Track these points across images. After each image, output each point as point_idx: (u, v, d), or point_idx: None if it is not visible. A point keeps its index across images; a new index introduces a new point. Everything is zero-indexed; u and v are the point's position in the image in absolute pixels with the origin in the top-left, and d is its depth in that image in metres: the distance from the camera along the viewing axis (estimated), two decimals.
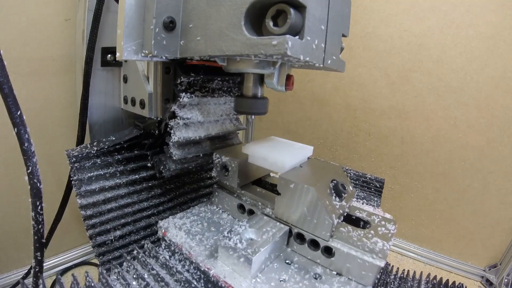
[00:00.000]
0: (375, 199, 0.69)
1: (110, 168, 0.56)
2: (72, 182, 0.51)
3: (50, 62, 0.72)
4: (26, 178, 0.42)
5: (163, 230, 0.51)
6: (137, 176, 0.59)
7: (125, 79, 0.61)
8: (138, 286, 0.41)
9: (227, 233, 0.43)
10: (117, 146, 0.58)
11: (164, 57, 0.40)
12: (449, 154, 1.01)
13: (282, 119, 1.35)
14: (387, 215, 0.59)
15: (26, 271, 0.75)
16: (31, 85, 0.71)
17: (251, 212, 0.53)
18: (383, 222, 0.46)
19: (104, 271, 0.42)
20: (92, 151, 0.54)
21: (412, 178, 1.10)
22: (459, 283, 0.55)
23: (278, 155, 0.49)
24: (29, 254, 0.77)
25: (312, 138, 1.28)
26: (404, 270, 0.60)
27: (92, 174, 0.53)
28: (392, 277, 0.57)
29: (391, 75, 1.05)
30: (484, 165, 0.97)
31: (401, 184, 1.12)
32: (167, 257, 0.45)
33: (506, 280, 0.96)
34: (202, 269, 0.41)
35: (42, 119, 0.75)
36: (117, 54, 0.38)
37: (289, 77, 0.45)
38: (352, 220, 0.48)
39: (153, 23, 0.36)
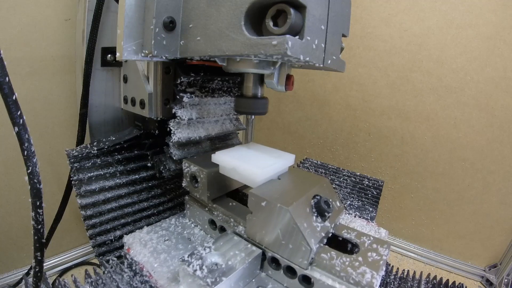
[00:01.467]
0: (371, 209, 0.65)
1: (110, 168, 0.56)
2: (72, 182, 0.51)
3: (50, 62, 0.72)
4: (26, 178, 0.42)
5: (127, 247, 0.46)
6: (137, 176, 0.59)
7: (125, 79, 0.61)
8: None
9: (187, 257, 0.37)
10: (117, 146, 0.58)
11: (164, 57, 0.40)
12: (449, 154, 1.01)
13: (282, 119, 1.35)
14: (382, 231, 0.55)
15: (26, 271, 0.75)
16: (31, 85, 0.71)
17: (222, 229, 0.48)
18: (374, 245, 0.40)
19: (78, 279, 0.40)
20: (92, 151, 0.54)
21: (412, 178, 1.10)
22: (459, 283, 0.55)
23: (249, 166, 0.42)
24: (29, 254, 0.77)
25: (312, 138, 1.28)
26: (404, 270, 0.60)
27: (92, 174, 0.53)
28: (392, 277, 0.57)
29: (391, 75, 1.05)
30: (484, 165, 0.97)
31: (401, 184, 1.12)
32: (131, 276, 0.42)
33: (506, 280, 0.96)
34: None
35: (42, 119, 0.75)
36: (117, 54, 0.38)
37: (289, 77, 0.45)
38: (338, 242, 0.42)
39: (153, 23, 0.36)
